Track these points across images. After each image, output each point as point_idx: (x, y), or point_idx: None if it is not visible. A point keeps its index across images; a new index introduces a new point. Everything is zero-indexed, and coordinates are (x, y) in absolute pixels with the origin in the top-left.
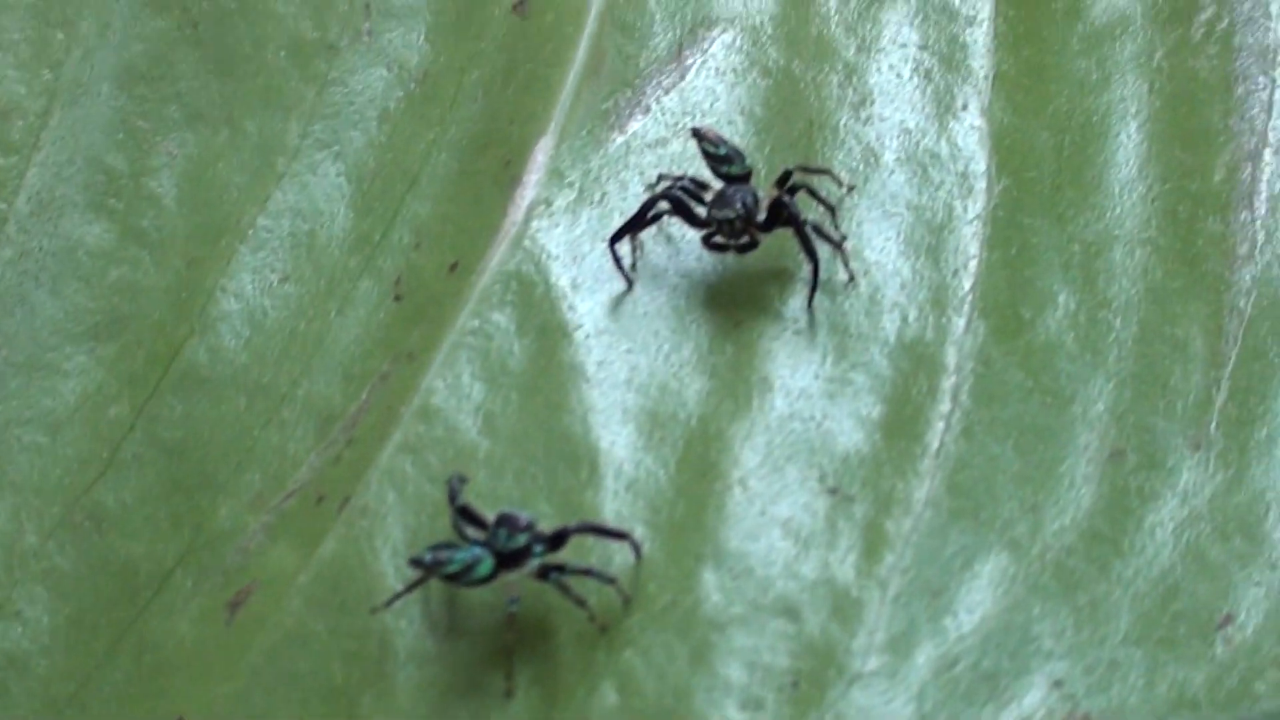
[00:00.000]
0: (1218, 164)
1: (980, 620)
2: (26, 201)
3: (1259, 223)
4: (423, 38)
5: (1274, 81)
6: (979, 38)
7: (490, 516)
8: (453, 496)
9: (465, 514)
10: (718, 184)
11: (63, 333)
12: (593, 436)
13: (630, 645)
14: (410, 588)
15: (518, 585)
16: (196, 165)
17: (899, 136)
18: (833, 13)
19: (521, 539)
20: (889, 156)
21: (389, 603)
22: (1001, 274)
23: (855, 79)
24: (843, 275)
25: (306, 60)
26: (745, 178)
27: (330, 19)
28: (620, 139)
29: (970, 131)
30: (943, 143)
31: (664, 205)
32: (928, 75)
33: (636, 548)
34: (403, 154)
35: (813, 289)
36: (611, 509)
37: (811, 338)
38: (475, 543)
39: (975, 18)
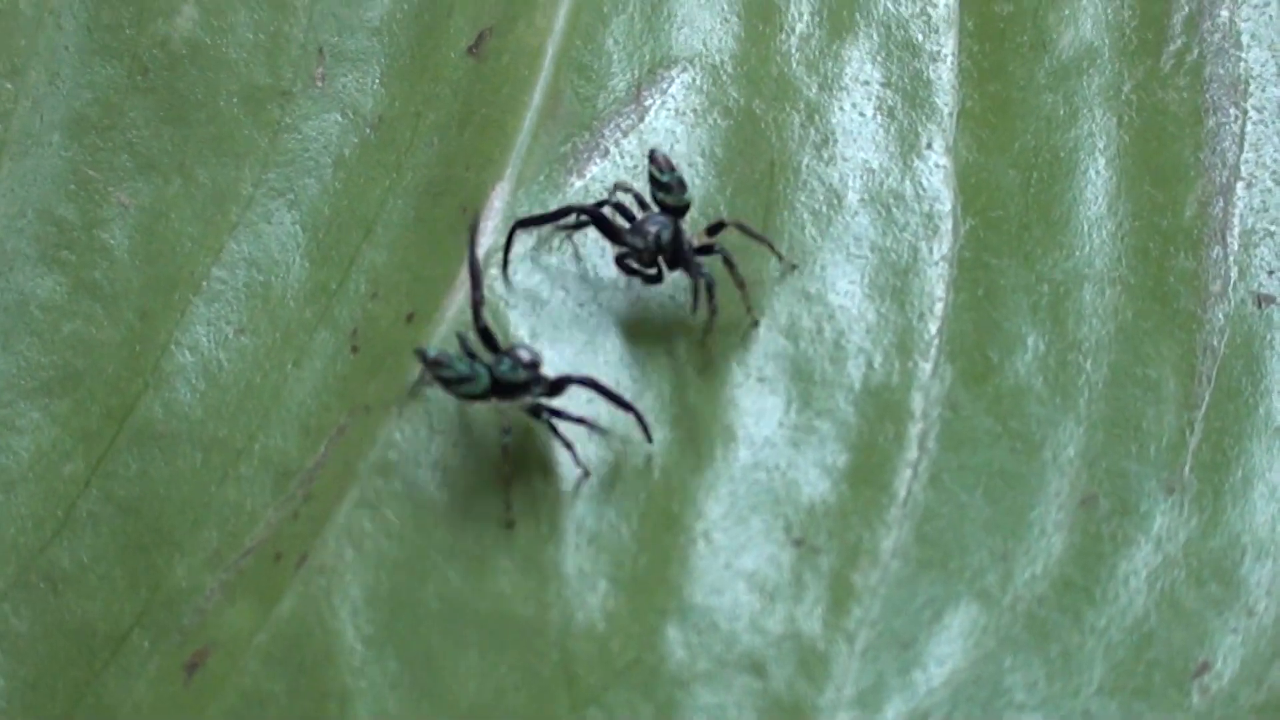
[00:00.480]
0: (1189, 199)
1: (951, 673)
2: None
3: (1231, 258)
4: (377, 82)
5: (1245, 113)
6: (943, 73)
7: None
8: (476, 315)
9: (484, 336)
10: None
11: (15, 388)
12: (553, 489)
13: (594, 703)
14: (414, 389)
15: (509, 417)
16: (149, 216)
17: (862, 176)
18: (794, 50)
19: (521, 373)
20: (852, 197)
21: (412, 391)
22: (968, 316)
23: (817, 118)
24: (806, 321)
25: (259, 106)
26: (681, 211)
27: (283, 64)
28: (579, 183)
29: (935, 170)
30: (907, 182)
31: (582, 218)
32: (891, 113)
33: (643, 422)
34: (358, 201)
35: (709, 331)
36: (573, 563)
37: (774, 385)
38: (481, 363)
39: (939, 53)
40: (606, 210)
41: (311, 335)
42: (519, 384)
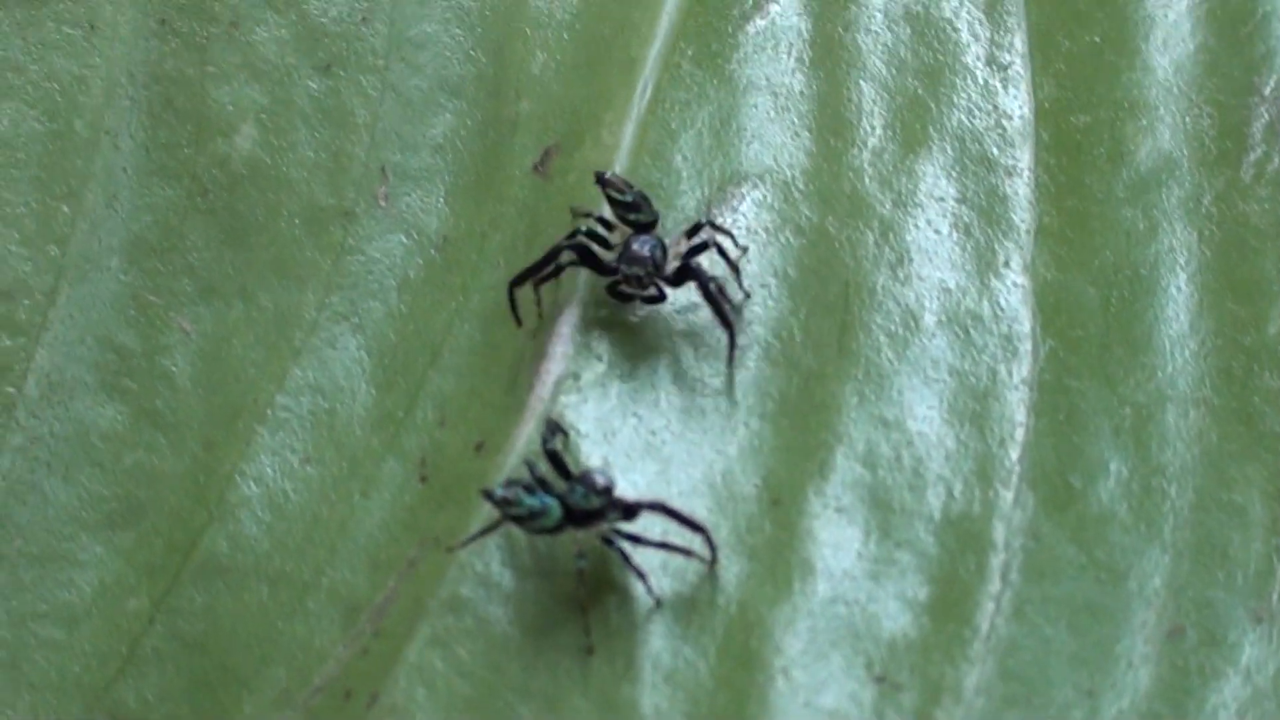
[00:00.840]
0: (1272, 315)
1: None
2: (35, 385)
3: None
4: (442, 201)
5: None
6: (1020, 189)
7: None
8: (545, 441)
9: (554, 460)
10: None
11: (77, 521)
12: (628, 622)
13: None
14: (486, 530)
15: (585, 544)
16: (211, 342)
17: (939, 296)
18: (866, 166)
19: (596, 501)
20: (929, 319)
21: (465, 543)
22: (1049, 442)
23: (892, 236)
24: (884, 449)
25: (322, 227)
26: (652, 225)
27: (345, 184)
28: (644, 309)
29: (1013, 290)
30: (985, 302)
31: (569, 255)
32: (967, 230)
33: (712, 544)
34: (424, 325)
35: (731, 352)
36: (650, 702)
37: (853, 515)
38: (552, 493)
39: (1015, 167)
40: (581, 242)
41: (379, 465)
42: (593, 511)
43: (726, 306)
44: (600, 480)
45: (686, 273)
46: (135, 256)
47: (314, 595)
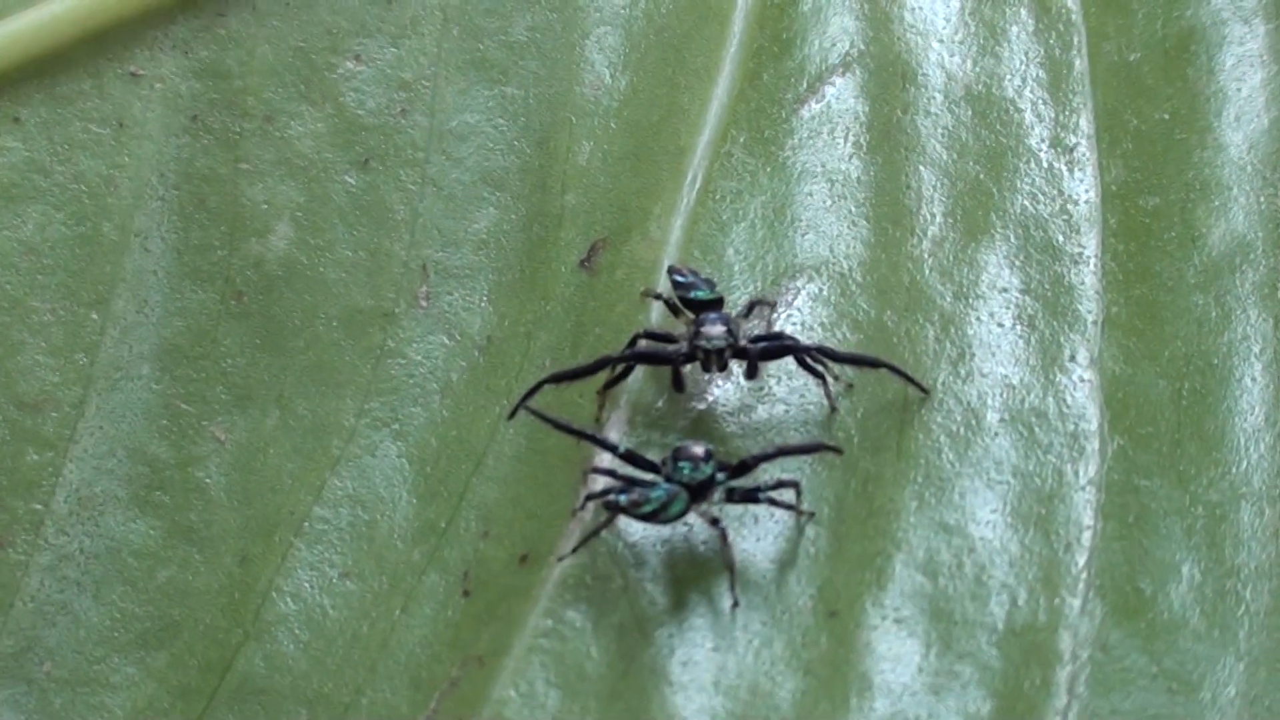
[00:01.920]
0: None
1: None
2: (64, 500)
3: None
4: (485, 300)
5: None
6: (1086, 277)
7: (656, 457)
8: (614, 447)
9: (632, 459)
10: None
11: (109, 642)
12: None
13: None
14: (598, 530)
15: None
16: (246, 452)
17: (1002, 393)
18: (926, 256)
19: (707, 469)
20: (992, 417)
21: (575, 549)
22: (1118, 545)
23: (953, 330)
24: (945, 555)
25: (360, 330)
26: (718, 304)
27: (384, 284)
28: (700, 408)
29: (1079, 385)
30: (1050, 399)
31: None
32: (1031, 323)
33: (837, 449)
34: (467, 431)
35: (829, 398)
36: None
37: (912, 627)
38: (660, 480)
39: (1081, 255)
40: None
41: (420, 578)
42: (706, 481)
43: (823, 371)
44: (698, 449)
45: (781, 340)
46: (167, 364)
47: (354, 718)
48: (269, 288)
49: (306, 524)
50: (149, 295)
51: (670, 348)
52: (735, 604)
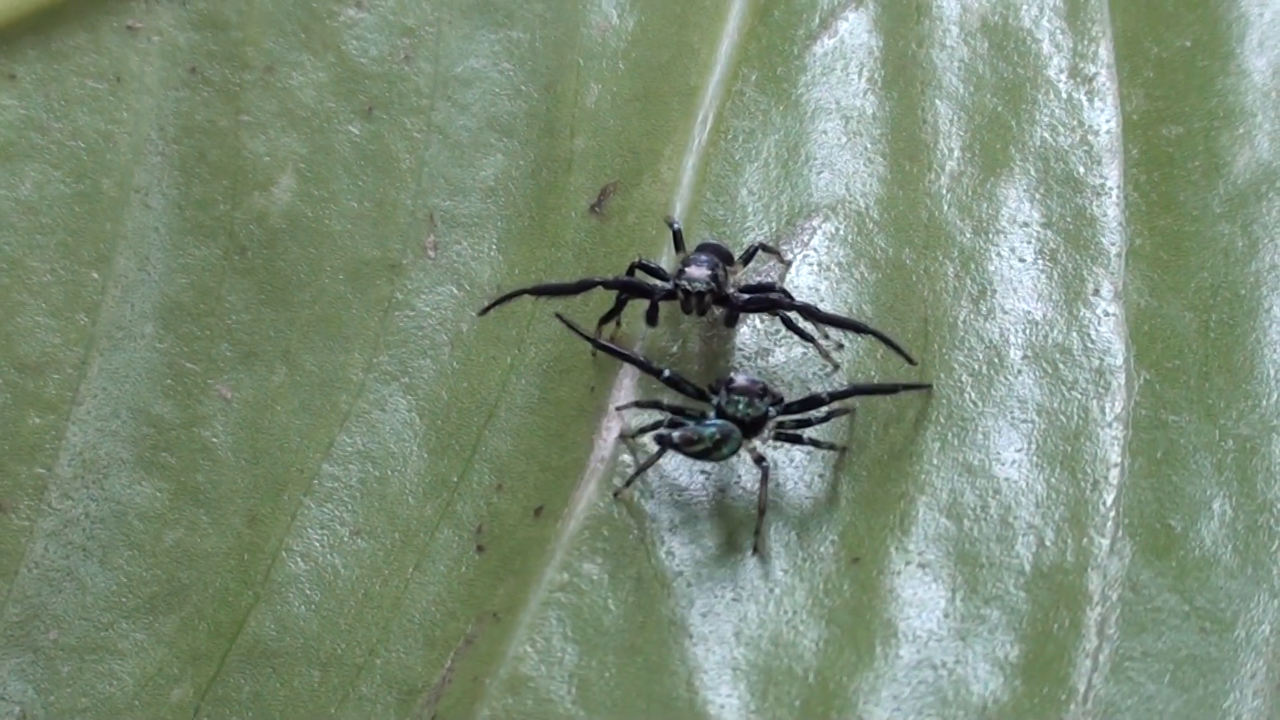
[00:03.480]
0: None
1: None
2: (68, 464)
3: None
4: (494, 248)
5: None
6: (1109, 209)
7: (704, 385)
8: (659, 371)
9: (677, 385)
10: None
11: (117, 608)
12: (699, 700)
13: None
14: (647, 466)
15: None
16: (253, 409)
17: (1025, 330)
18: (944, 191)
19: (763, 405)
20: (1015, 354)
21: (628, 483)
22: (1147, 483)
23: (973, 266)
24: (970, 497)
25: (367, 283)
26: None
27: (391, 235)
28: (711, 347)
29: (1104, 319)
30: (1074, 334)
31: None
32: (1053, 257)
33: (925, 386)
34: (478, 382)
35: (826, 355)
36: None
37: (937, 571)
38: (711, 414)
39: (1103, 186)
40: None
41: (433, 535)
42: (763, 416)
43: (811, 332)
44: (747, 381)
45: (759, 301)
46: (170, 322)
47: (367, 678)
48: (273, 241)
49: (316, 482)
50: (150, 252)
51: (655, 282)
52: (755, 550)
